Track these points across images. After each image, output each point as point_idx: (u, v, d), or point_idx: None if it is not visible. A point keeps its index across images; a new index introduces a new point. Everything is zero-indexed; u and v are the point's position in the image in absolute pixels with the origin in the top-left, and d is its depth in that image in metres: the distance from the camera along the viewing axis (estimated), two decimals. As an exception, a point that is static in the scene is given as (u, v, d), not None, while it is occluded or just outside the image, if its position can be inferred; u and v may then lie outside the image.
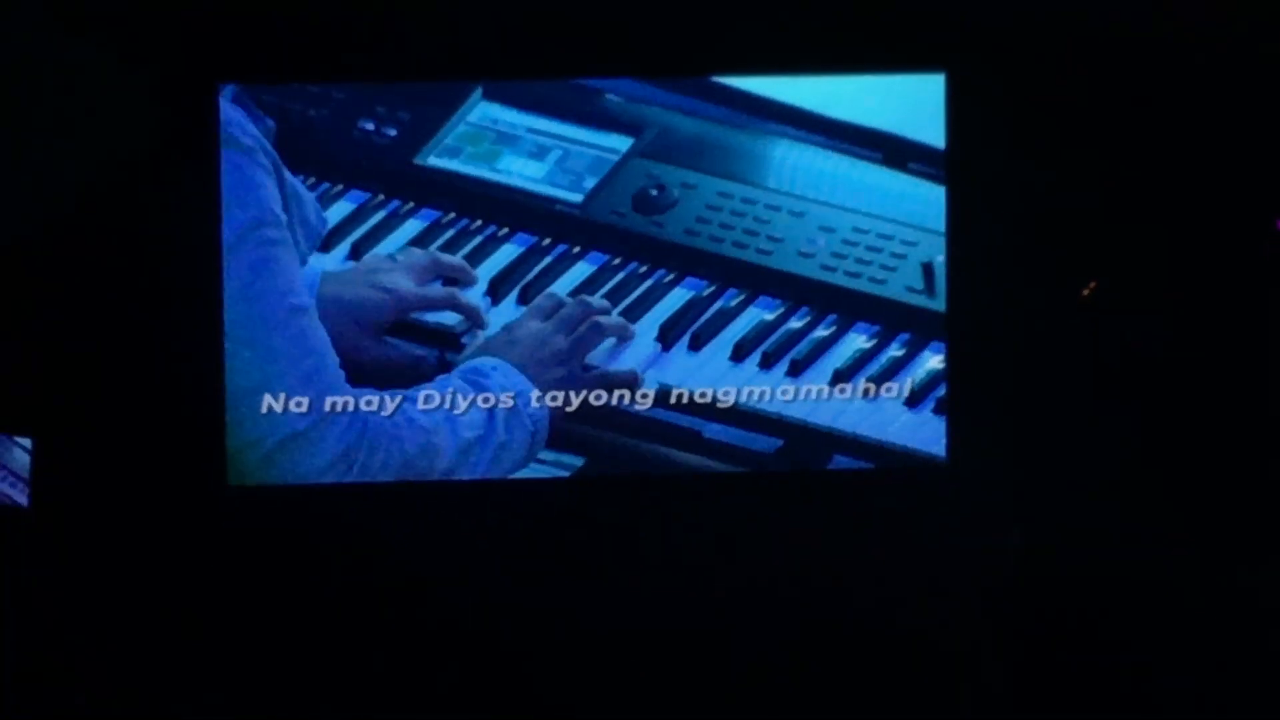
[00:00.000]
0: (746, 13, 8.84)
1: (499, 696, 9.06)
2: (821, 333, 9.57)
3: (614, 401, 8.79)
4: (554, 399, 8.61)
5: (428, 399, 8.43)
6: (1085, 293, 9.22)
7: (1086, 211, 9.18)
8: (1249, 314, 9.24)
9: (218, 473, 8.80)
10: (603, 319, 8.76)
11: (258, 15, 8.77)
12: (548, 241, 9.33)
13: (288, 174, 8.56)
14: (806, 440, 9.18)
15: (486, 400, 8.39)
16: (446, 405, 8.46)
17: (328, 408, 8.34)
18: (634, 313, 9.30)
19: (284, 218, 8.26)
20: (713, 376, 9.33)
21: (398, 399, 8.43)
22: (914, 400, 9.24)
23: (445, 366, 8.61)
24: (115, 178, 8.66)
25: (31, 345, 8.72)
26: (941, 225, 9.47)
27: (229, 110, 8.66)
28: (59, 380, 8.74)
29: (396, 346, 8.68)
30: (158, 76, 8.55)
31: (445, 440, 8.35)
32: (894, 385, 9.29)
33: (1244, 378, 9.21)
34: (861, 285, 9.69)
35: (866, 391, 9.38)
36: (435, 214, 9.42)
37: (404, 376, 8.61)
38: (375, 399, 8.46)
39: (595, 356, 8.82)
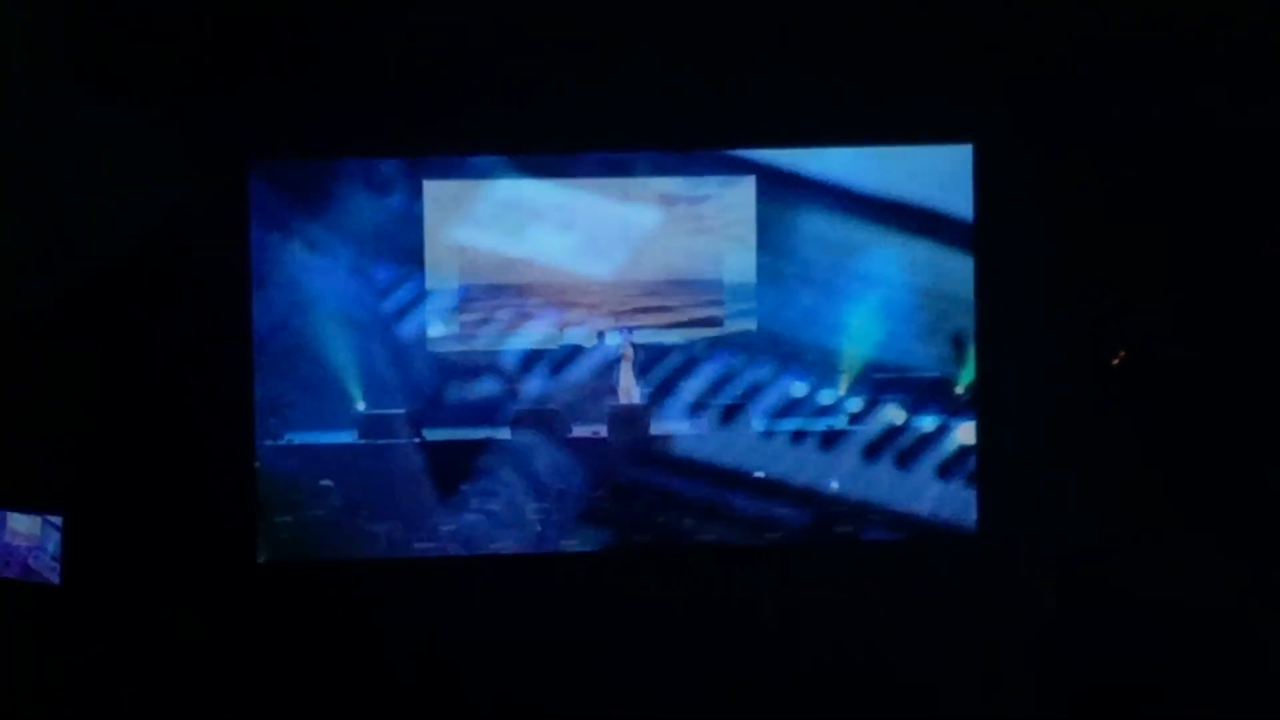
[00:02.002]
0: (782, 87, 9.08)
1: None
2: (852, 409, 9.90)
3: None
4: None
5: None
6: (1115, 361, 9.28)
7: (1112, 278, 9.34)
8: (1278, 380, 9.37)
9: (248, 549, 8.98)
10: None
11: (290, 92, 8.99)
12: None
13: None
14: (838, 512, 9.63)
15: None
16: None
17: None
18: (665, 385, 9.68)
19: None
20: (743, 451, 9.70)
21: None
22: (944, 472, 9.51)
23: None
24: (147, 254, 8.82)
25: (62, 424, 8.85)
26: (970, 294, 9.82)
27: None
28: (89, 458, 8.87)
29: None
30: (192, 150, 8.82)
31: None
32: (923, 459, 9.56)
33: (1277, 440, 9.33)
34: (892, 356, 10.04)
35: (898, 463, 9.67)
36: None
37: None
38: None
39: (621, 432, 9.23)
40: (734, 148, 10.49)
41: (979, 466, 9.40)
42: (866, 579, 9.41)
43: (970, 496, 9.52)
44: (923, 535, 9.47)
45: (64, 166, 8.63)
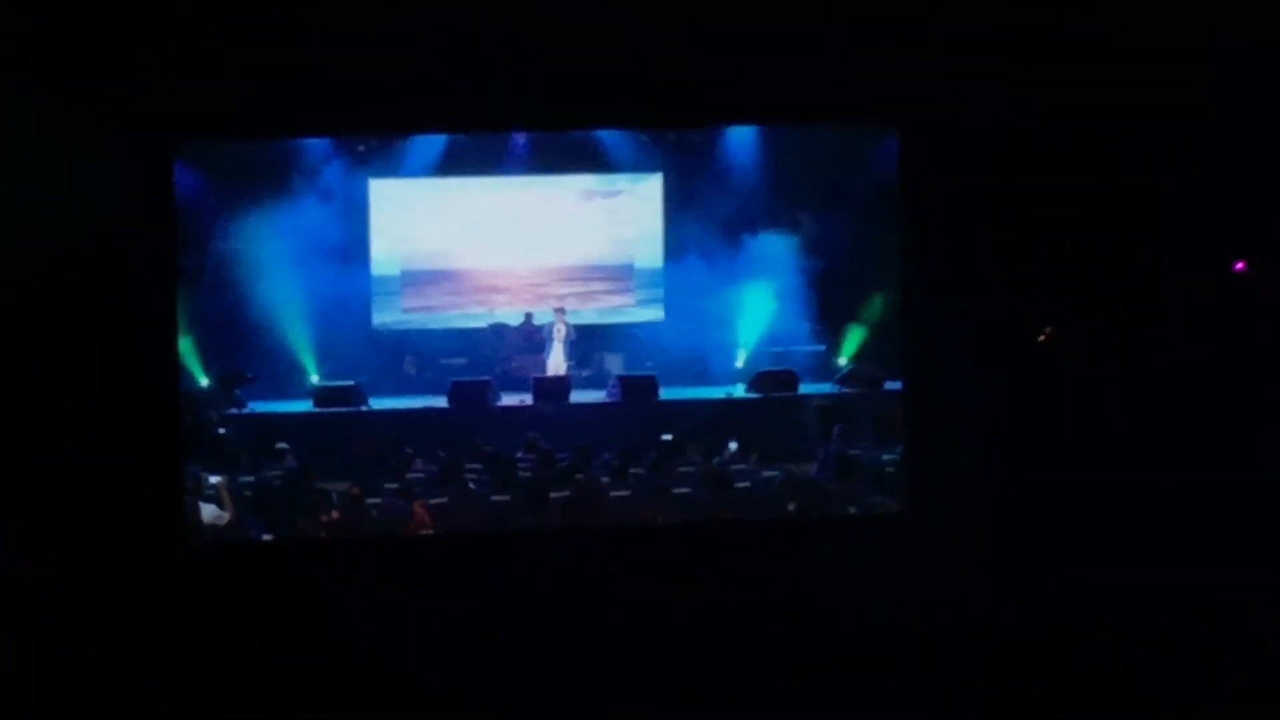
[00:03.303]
0: (710, 67, 8.77)
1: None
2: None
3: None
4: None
5: None
6: (1041, 338, 9.21)
7: (1034, 260, 9.02)
8: (1206, 355, 8.99)
9: (178, 534, 8.64)
10: None
11: (214, 76, 8.47)
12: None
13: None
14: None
15: None
16: None
17: None
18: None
19: None
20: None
21: None
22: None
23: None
24: (73, 243, 8.33)
25: None
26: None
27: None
28: (17, 449, 8.32)
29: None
30: (117, 136, 8.28)
31: None
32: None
33: (1200, 419, 8.93)
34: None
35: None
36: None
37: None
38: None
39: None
40: (660, 127, 11.56)
41: (907, 448, 9.24)
42: (791, 554, 8.75)
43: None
44: (847, 515, 9.45)
45: None
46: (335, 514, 9.45)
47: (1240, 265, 8.94)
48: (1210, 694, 8.17)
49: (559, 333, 12.71)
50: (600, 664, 8.37)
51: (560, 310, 12.81)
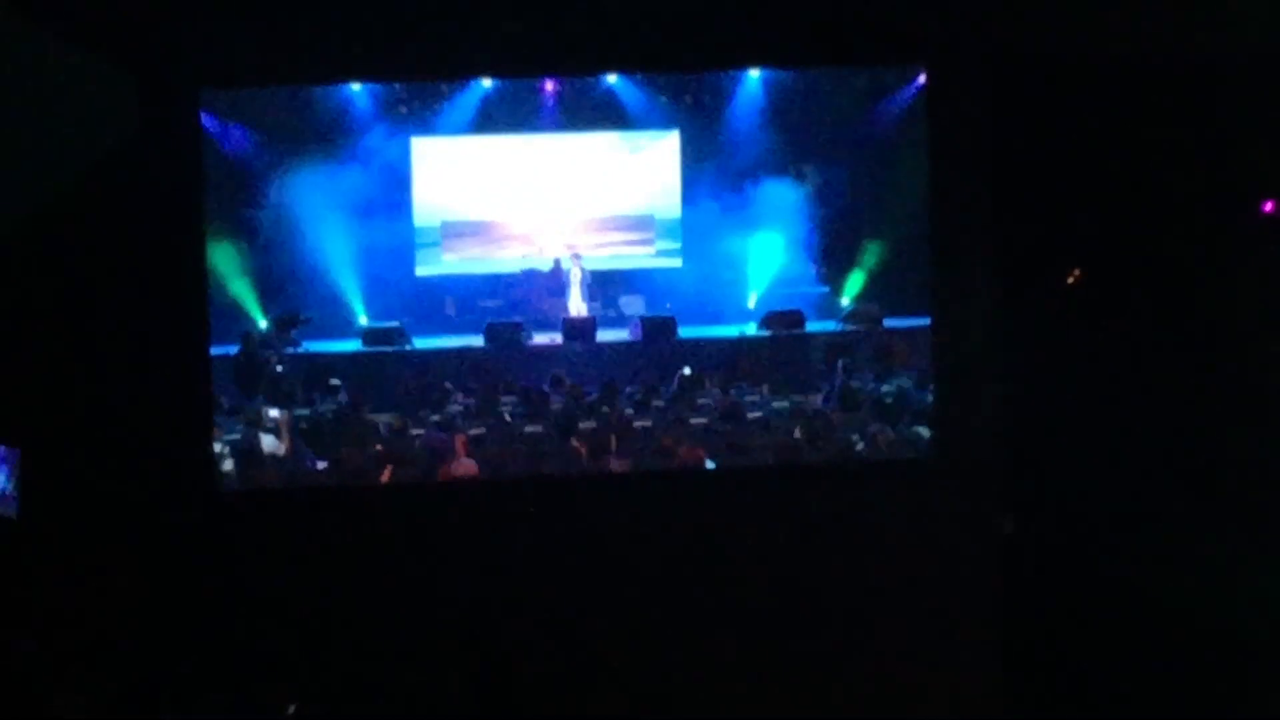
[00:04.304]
0: (738, 10, 8.79)
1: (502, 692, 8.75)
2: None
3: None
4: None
5: None
6: (1070, 280, 9.06)
7: (1067, 201, 8.89)
8: (1228, 302, 8.86)
9: (208, 478, 8.72)
10: None
11: (240, 21, 8.55)
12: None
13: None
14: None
15: None
16: None
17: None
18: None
19: None
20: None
21: None
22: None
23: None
24: (100, 184, 8.23)
25: (17, 358, 8.15)
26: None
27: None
28: (44, 389, 8.24)
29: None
30: (144, 82, 8.24)
31: None
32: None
33: (1221, 363, 8.85)
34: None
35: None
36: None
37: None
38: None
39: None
40: (684, 70, 12.06)
41: (935, 391, 9.09)
42: (817, 501, 8.88)
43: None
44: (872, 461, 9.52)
45: (13, 99, 7.79)
46: (379, 447, 9.84)
47: (1269, 206, 8.76)
48: (1240, 639, 8.34)
49: (575, 277, 13.37)
50: (639, 602, 8.62)
51: (576, 256, 13.53)
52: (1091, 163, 8.70)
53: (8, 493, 7.73)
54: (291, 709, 8.08)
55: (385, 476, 9.37)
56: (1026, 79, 8.67)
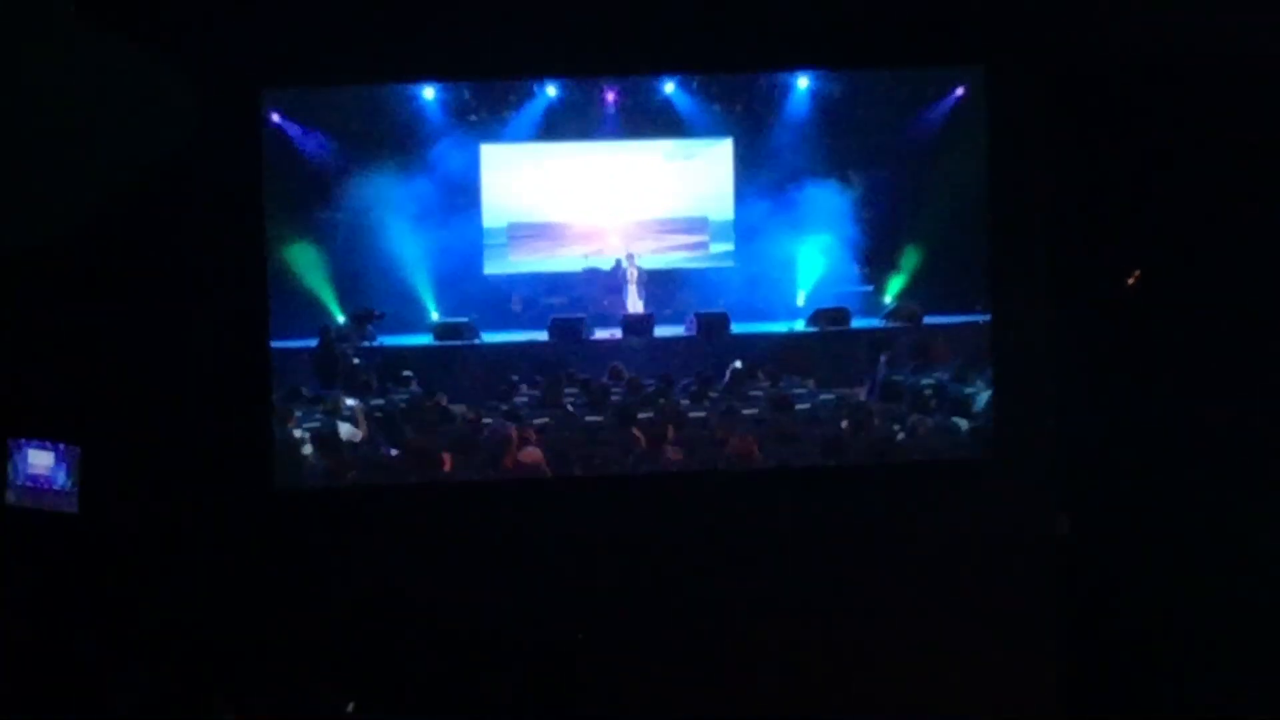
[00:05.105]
0: (789, 9, 8.83)
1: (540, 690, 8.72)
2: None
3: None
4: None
5: None
6: (1130, 281, 8.95)
7: (1126, 202, 8.88)
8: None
9: (263, 476, 8.81)
10: None
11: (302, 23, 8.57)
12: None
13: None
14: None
15: None
16: None
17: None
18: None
19: None
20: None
21: None
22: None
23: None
24: (164, 183, 8.28)
25: (79, 356, 8.28)
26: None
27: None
28: (104, 388, 8.32)
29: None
30: (206, 83, 8.13)
31: None
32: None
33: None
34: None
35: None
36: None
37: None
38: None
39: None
40: (739, 71, 12.39)
41: (995, 391, 9.10)
42: (875, 501, 9.03)
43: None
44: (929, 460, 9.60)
45: (80, 100, 7.78)
46: (448, 436, 10.21)
47: None
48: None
49: (631, 275, 14.06)
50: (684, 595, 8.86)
51: (630, 256, 14.24)
52: (1151, 163, 8.72)
53: (68, 489, 7.91)
54: (351, 706, 8.05)
55: (447, 465, 9.67)
56: (1085, 77, 8.77)
